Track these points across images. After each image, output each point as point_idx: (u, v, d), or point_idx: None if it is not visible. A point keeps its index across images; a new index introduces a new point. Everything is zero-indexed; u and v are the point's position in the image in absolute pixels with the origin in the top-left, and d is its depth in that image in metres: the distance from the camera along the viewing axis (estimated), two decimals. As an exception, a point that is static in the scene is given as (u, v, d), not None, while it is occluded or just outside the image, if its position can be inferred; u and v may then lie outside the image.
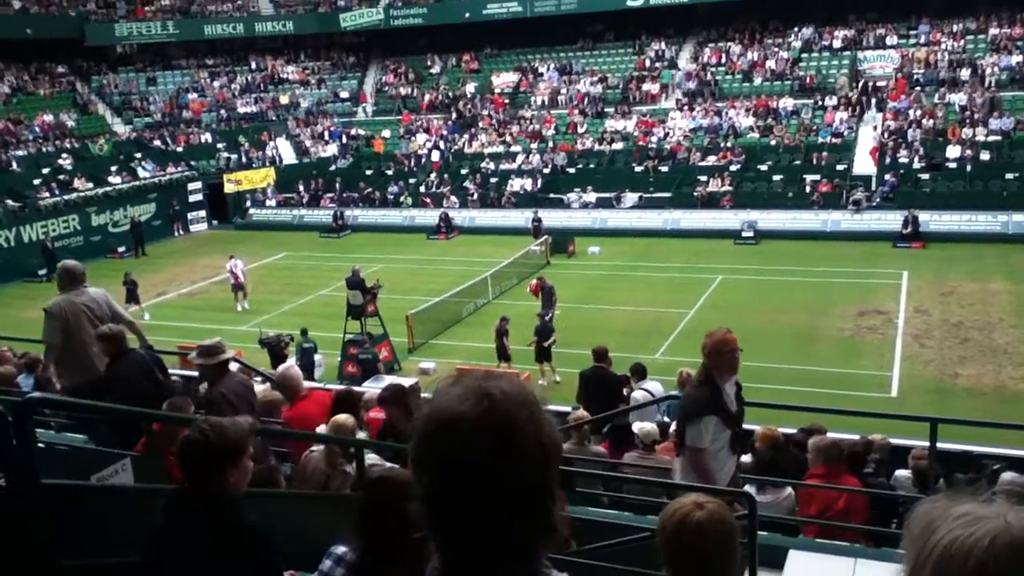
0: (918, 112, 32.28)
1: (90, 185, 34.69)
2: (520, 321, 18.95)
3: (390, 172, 38.49)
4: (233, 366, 8.51)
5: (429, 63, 44.80)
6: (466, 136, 39.37)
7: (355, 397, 7.25)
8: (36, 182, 33.84)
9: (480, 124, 39.74)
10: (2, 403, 3.65)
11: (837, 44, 37.23)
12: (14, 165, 34.87)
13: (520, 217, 32.22)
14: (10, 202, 31.95)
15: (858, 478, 6.78)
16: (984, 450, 8.24)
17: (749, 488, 6.28)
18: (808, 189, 30.61)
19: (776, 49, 37.90)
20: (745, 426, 8.81)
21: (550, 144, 36.86)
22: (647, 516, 5.61)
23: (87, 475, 4.87)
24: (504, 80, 41.72)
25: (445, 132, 39.74)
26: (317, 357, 17.94)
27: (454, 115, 40.64)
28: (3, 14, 40.08)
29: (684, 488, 6.07)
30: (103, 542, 3.92)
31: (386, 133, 41.21)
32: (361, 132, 41.99)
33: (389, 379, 13.48)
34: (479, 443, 1.25)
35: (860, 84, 35.02)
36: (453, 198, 35.00)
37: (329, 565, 2.99)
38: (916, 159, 30.64)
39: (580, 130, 37.35)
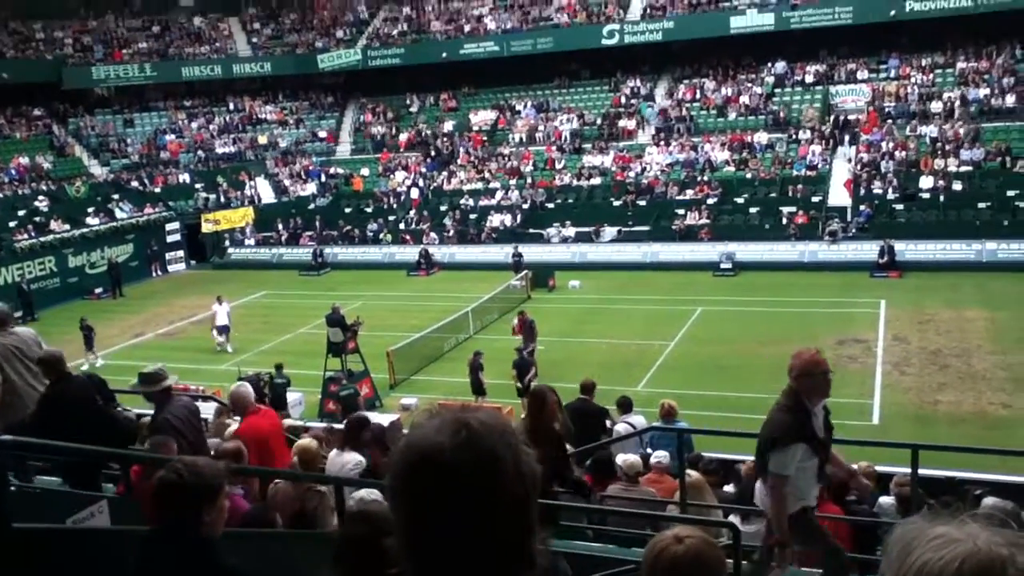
0: (890, 144, 32.79)
1: (67, 227, 34.44)
2: (501, 356, 18.89)
3: (369, 209, 38.55)
4: (209, 406, 8.46)
5: (407, 102, 45.09)
6: (445, 173, 39.55)
7: (365, 422, 7.35)
8: (12, 224, 33.53)
9: (458, 161, 39.97)
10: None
11: (809, 79, 37.86)
12: (-11, 208, 34.62)
13: (500, 252, 32.31)
14: (-15, 245, 31.68)
15: (841, 506, 6.78)
16: (966, 475, 8.28)
17: (734, 518, 6.27)
18: (784, 221, 30.91)
19: (750, 85, 38.47)
20: (731, 456, 8.83)
21: (528, 180, 37.09)
22: (632, 548, 5.56)
23: (63, 519, 4.79)
24: (482, 118, 42.04)
25: (424, 169, 39.92)
26: (297, 395, 17.79)
27: (432, 152, 40.85)
28: (-21, 60, 40.10)
29: (669, 520, 6.05)
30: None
31: (365, 171, 41.34)
32: (340, 171, 42.11)
33: (370, 416, 13.35)
34: (458, 474, 1.23)
35: (832, 118, 35.58)
36: (433, 235, 35.08)
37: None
38: (890, 190, 31.08)
39: (558, 166, 37.62)
